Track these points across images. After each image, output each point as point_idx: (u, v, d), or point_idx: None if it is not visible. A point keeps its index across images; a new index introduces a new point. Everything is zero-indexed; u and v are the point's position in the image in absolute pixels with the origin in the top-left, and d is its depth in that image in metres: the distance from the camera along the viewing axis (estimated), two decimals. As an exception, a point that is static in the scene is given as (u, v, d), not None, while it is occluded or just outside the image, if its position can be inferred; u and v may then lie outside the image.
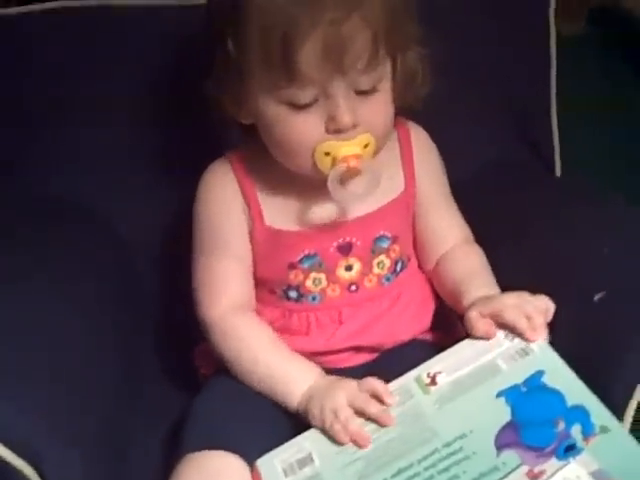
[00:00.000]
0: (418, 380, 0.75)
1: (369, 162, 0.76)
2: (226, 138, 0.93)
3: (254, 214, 0.84)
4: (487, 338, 0.76)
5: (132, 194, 1.03)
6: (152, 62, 1.00)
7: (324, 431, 0.73)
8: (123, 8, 1.00)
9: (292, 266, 0.84)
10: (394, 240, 0.86)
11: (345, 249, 0.84)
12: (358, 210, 0.83)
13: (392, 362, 0.82)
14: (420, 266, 0.91)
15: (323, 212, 0.83)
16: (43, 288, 0.81)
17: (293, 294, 0.85)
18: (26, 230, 0.92)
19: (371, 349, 0.86)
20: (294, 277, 0.84)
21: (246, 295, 0.85)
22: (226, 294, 0.84)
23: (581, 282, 0.82)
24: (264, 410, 0.78)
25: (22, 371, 0.69)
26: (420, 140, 0.89)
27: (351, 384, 0.75)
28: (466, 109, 1.06)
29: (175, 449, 0.75)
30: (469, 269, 0.86)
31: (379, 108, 0.77)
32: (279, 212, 0.84)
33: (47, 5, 0.99)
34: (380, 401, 0.73)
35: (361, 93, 0.74)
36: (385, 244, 0.86)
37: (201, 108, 0.85)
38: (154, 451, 0.82)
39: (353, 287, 0.85)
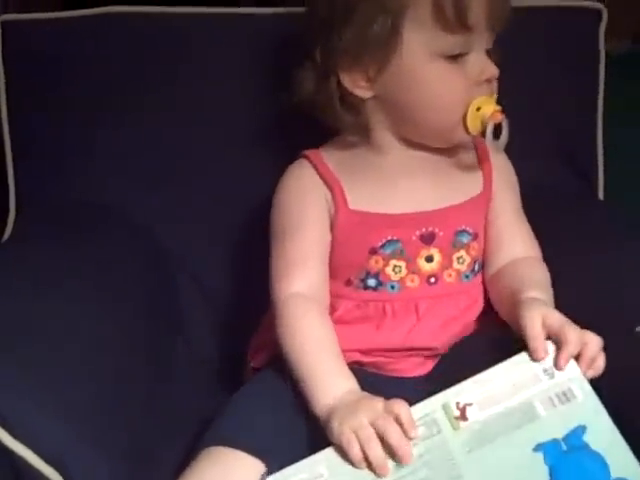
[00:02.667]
0: (446, 409, 0.69)
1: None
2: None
3: (338, 199, 0.84)
4: (538, 354, 0.71)
5: (178, 209, 1.04)
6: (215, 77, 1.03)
7: (341, 451, 0.69)
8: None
9: (373, 251, 0.84)
10: (474, 237, 0.87)
11: (427, 238, 0.85)
12: (442, 202, 0.85)
13: (451, 372, 0.78)
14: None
15: (407, 201, 0.85)
16: (81, 296, 0.81)
17: (372, 282, 0.85)
18: (71, 236, 0.93)
19: (436, 352, 0.85)
20: (374, 263, 0.84)
21: (321, 287, 0.84)
22: (299, 278, 0.83)
23: (624, 313, 0.80)
24: (296, 420, 0.76)
25: (54, 382, 0.68)
26: (498, 153, 0.89)
27: (376, 405, 0.70)
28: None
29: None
30: (534, 277, 0.84)
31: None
32: (364, 197, 0.84)
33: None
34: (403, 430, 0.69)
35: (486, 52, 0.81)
36: (466, 239, 0.86)
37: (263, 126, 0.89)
38: (180, 467, 0.78)
39: (432, 279, 0.85)
